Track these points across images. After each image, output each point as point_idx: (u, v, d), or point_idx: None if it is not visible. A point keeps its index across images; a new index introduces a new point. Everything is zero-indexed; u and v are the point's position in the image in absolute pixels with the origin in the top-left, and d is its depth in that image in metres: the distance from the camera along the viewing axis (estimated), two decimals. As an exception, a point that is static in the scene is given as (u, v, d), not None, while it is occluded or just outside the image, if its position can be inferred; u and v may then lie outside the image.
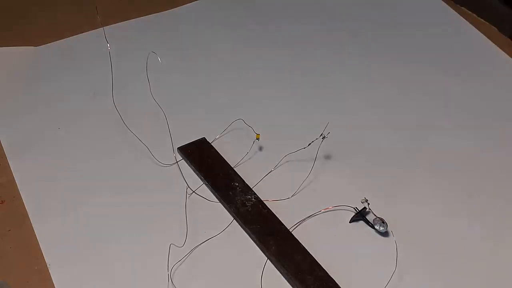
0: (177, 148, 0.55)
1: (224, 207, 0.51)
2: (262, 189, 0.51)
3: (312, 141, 0.52)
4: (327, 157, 0.54)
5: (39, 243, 0.48)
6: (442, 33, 0.67)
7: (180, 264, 0.47)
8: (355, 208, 0.50)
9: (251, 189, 0.51)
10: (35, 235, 0.49)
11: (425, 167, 0.54)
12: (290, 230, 0.49)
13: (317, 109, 0.57)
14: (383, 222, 0.48)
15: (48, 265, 0.47)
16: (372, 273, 0.46)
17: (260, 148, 0.55)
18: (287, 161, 0.53)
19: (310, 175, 0.52)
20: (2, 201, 0.52)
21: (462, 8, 0.69)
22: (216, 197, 0.52)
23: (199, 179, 0.53)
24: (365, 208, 0.50)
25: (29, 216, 0.50)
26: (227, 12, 0.70)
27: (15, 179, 0.53)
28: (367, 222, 0.49)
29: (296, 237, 0.48)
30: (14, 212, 0.51)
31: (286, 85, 0.62)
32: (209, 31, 0.68)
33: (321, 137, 0.51)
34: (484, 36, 0.66)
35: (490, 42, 0.65)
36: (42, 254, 0.48)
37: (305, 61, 0.64)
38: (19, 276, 0.46)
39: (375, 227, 0.48)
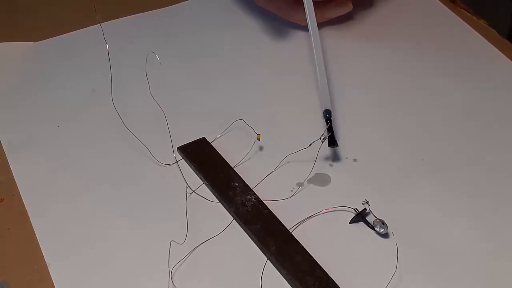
0: (177, 147, 0.55)
1: (224, 207, 0.51)
2: (262, 189, 0.51)
3: (314, 141, 0.52)
4: (328, 158, 0.54)
5: (39, 242, 0.48)
6: (440, 34, 0.67)
7: (180, 265, 0.47)
8: (355, 209, 0.50)
9: (251, 189, 0.51)
10: (34, 233, 0.49)
11: (425, 168, 0.54)
12: (290, 231, 0.49)
13: (319, 109, 0.57)
14: (383, 224, 0.48)
15: (48, 265, 0.47)
16: (372, 274, 0.46)
17: (261, 148, 0.55)
18: (287, 162, 0.53)
19: (310, 175, 0.52)
20: (1, 199, 0.51)
21: (461, 10, 0.69)
22: (216, 197, 0.51)
23: (199, 179, 0.53)
24: (365, 209, 0.50)
25: (29, 214, 0.50)
26: (229, 10, 0.69)
27: (14, 177, 0.53)
28: (367, 223, 0.49)
29: (296, 238, 0.48)
30: (13, 210, 0.51)
31: (288, 84, 0.61)
32: (211, 29, 0.67)
33: (319, 138, 0.51)
34: (483, 38, 0.66)
35: (489, 44, 0.65)
36: (42, 253, 0.48)
37: (305, 60, 0.64)
38: (18, 275, 0.46)
39: (375, 228, 0.49)
